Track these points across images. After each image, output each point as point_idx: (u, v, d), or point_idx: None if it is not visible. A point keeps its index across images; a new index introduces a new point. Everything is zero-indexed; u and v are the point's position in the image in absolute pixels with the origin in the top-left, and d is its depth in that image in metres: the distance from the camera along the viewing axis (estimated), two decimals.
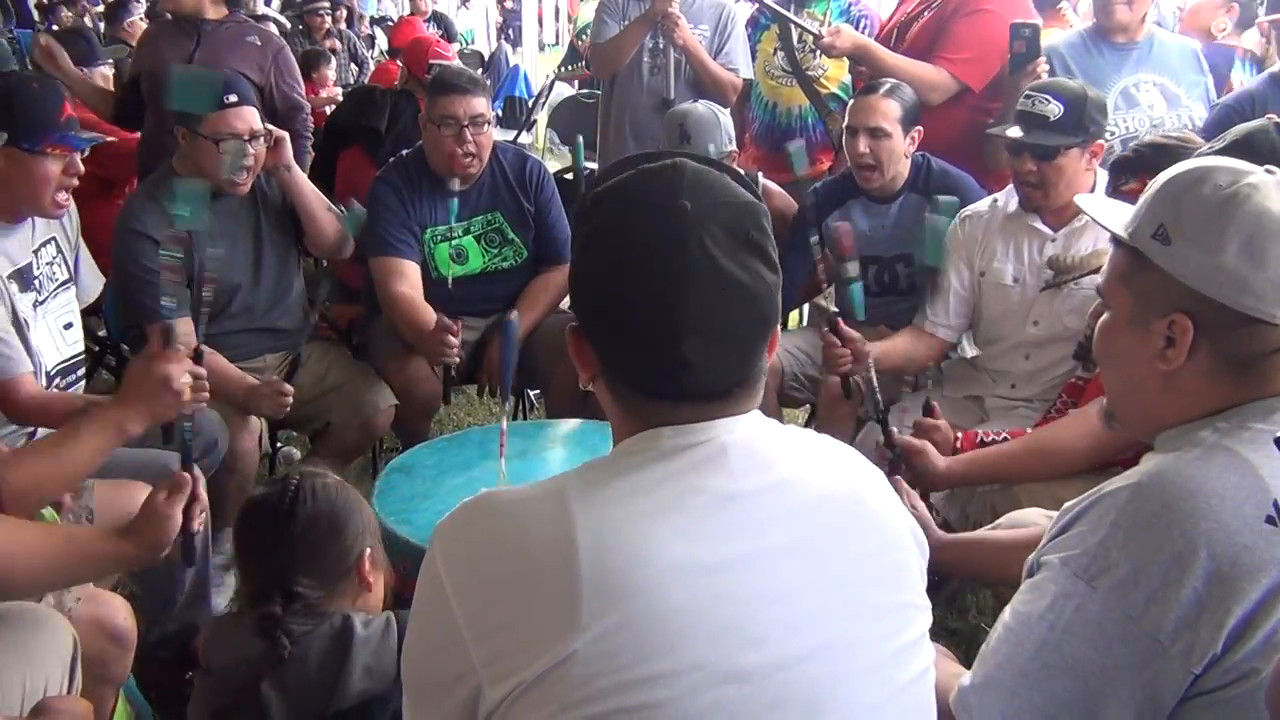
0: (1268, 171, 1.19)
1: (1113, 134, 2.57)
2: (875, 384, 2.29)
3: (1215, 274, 1.15)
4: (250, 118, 2.64)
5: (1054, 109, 2.40)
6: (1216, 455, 1.13)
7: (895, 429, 2.23)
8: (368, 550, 1.52)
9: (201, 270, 2.22)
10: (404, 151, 3.11)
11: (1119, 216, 1.28)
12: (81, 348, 2.46)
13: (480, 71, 9.41)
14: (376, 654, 1.39)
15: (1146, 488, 1.13)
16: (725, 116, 3.05)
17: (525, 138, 7.74)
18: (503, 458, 2.29)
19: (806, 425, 2.80)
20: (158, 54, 3.40)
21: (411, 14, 9.86)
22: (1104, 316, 1.29)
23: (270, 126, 2.74)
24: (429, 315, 2.81)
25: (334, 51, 7.60)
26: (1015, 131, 2.45)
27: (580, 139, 3.71)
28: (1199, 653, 1.07)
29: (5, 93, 2.17)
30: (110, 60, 4.15)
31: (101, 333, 3.51)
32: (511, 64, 11.01)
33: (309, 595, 1.44)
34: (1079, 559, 1.14)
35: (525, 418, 3.65)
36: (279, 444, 3.49)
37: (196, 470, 1.70)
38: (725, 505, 0.97)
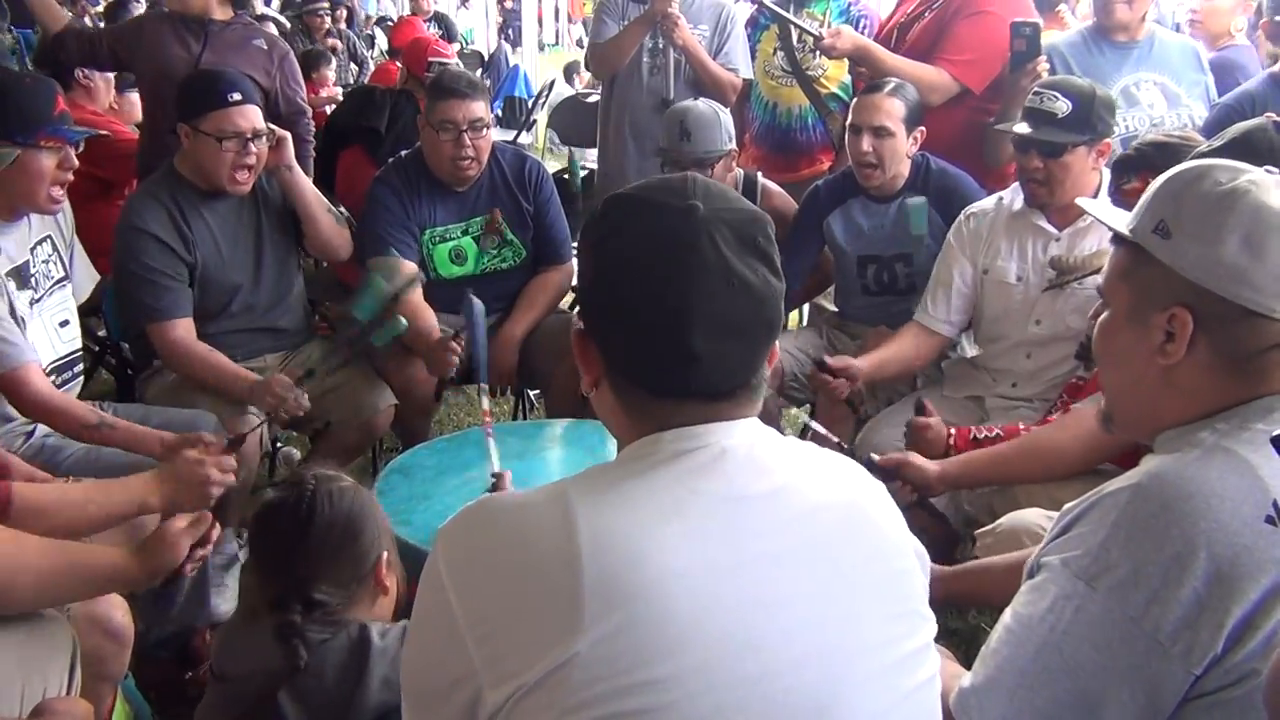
0: (1268, 171, 1.20)
1: (1112, 136, 2.56)
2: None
3: (1215, 267, 1.15)
4: (253, 116, 2.64)
5: (1062, 106, 2.39)
6: (1216, 456, 1.13)
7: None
8: (384, 554, 1.51)
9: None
10: (403, 152, 3.11)
11: (1120, 216, 1.29)
12: (78, 345, 2.46)
13: (480, 72, 9.44)
14: (394, 664, 1.38)
15: (1146, 488, 1.13)
16: (725, 114, 3.05)
17: (525, 138, 7.75)
18: (490, 438, 2.26)
19: (804, 429, 2.79)
20: (163, 53, 3.39)
21: (412, 14, 9.86)
22: (1104, 315, 1.29)
23: (273, 126, 2.75)
24: (429, 319, 2.81)
25: (334, 51, 7.60)
26: (1023, 127, 2.45)
27: (571, 151, 3.69)
28: (1199, 653, 1.07)
29: None
30: None
31: (101, 333, 3.50)
32: (511, 64, 11.02)
33: (328, 602, 1.43)
34: (1079, 560, 1.14)
35: (525, 418, 3.65)
36: (279, 444, 3.49)
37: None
38: (726, 510, 0.97)
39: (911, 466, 2.17)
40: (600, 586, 0.91)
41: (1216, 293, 1.15)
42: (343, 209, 3.51)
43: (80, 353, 2.47)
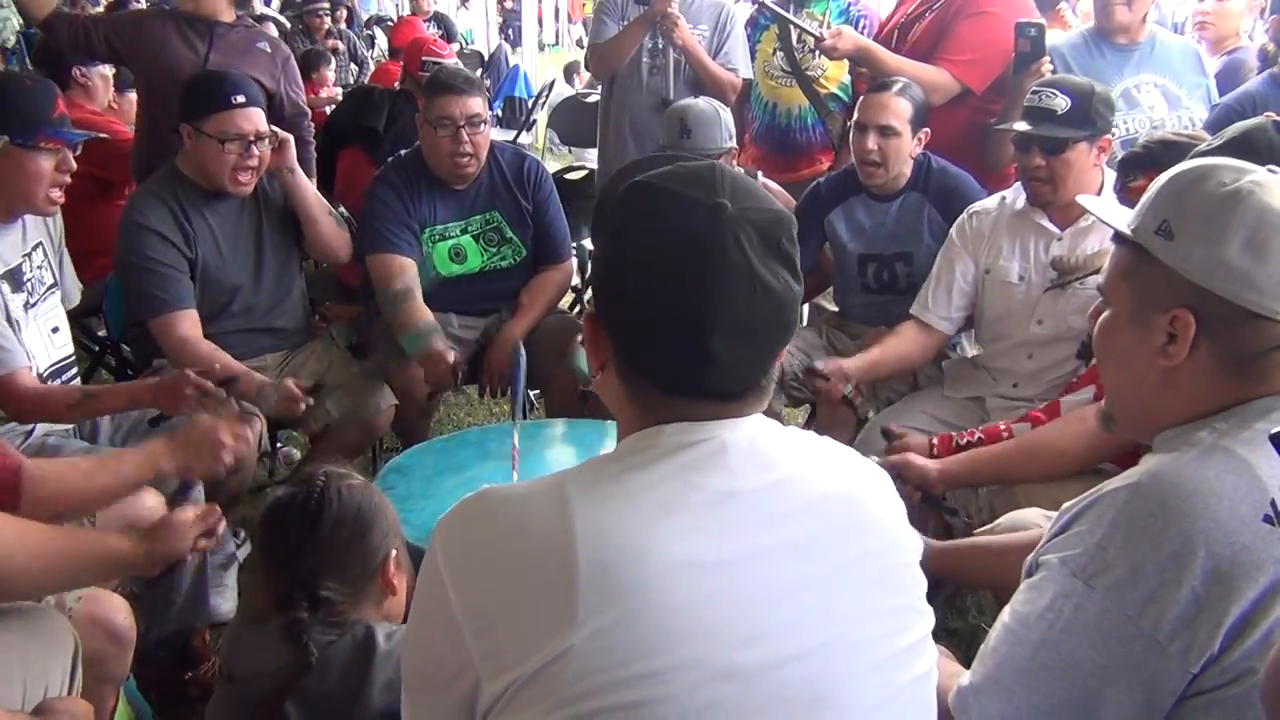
0: (1270, 171, 1.19)
1: (1113, 135, 2.56)
2: None
3: (1218, 269, 1.15)
4: (256, 119, 2.65)
5: (1061, 102, 2.40)
6: (1214, 455, 1.13)
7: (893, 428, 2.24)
8: (393, 552, 1.51)
9: None
10: (402, 151, 3.11)
11: (1122, 215, 1.28)
12: (69, 350, 2.46)
13: (480, 71, 9.43)
14: (398, 669, 1.36)
15: (1145, 487, 1.13)
16: (726, 112, 3.05)
17: (525, 138, 7.75)
18: (515, 472, 2.27)
19: (807, 425, 2.79)
20: (167, 52, 3.38)
21: (412, 14, 9.86)
22: (1105, 314, 1.29)
23: (275, 129, 2.75)
24: (428, 321, 2.80)
25: (334, 51, 7.60)
26: (1023, 125, 2.45)
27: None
28: (1197, 652, 1.07)
29: None
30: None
31: (101, 332, 3.50)
32: (511, 64, 11.02)
33: (335, 599, 1.42)
34: (1078, 559, 1.14)
35: (525, 418, 3.65)
36: (279, 444, 3.49)
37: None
38: (725, 503, 0.97)
39: (912, 466, 2.17)
40: (597, 579, 0.91)
41: (1220, 295, 1.15)
42: (342, 209, 3.52)
43: (72, 357, 2.47)
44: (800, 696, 0.94)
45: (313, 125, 3.77)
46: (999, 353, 2.67)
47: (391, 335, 2.90)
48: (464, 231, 3.03)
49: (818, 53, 3.52)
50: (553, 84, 9.01)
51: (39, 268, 2.38)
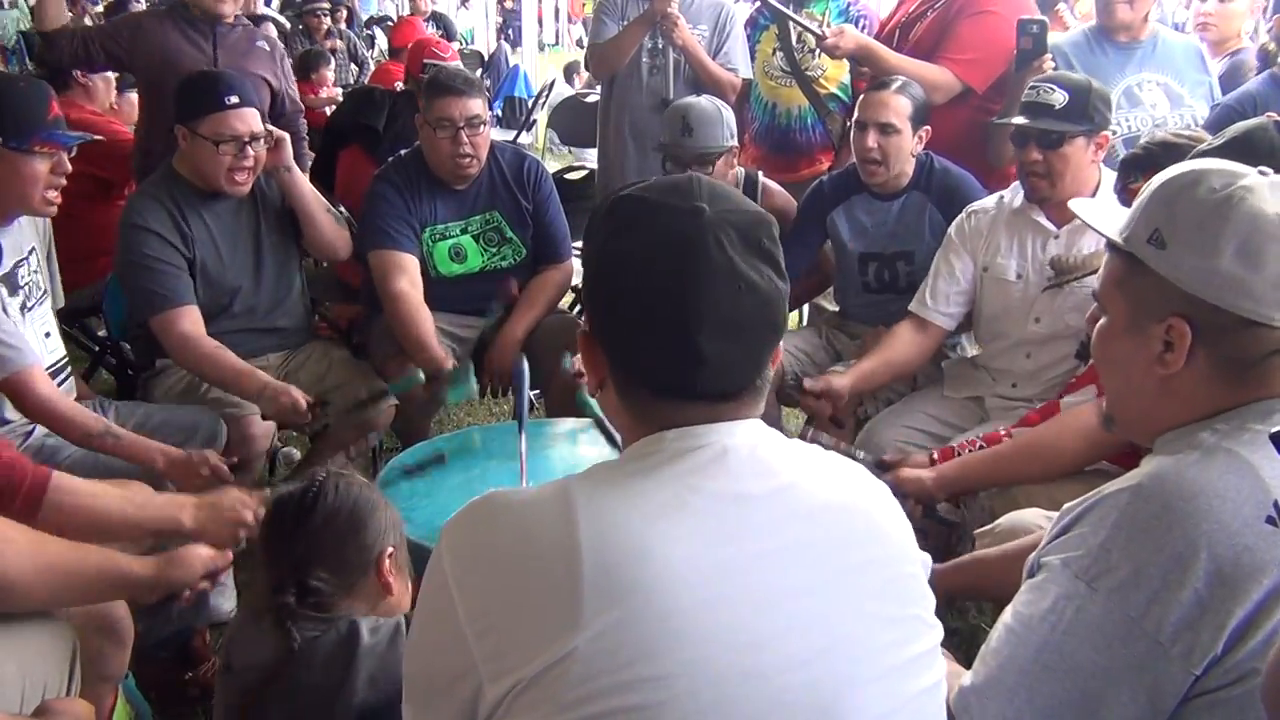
0: (1261, 173, 1.19)
1: (1114, 133, 2.56)
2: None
3: (1212, 278, 1.14)
4: (251, 119, 2.64)
5: (1059, 97, 2.41)
6: (1217, 456, 1.13)
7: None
8: (389, 549, 1.52)
9: None
10: (402, 151, 3.11)
11: (1113, 221, 1.27)
12: (62, 353, 2.47)
13: (480, 72, 9.43)
14: (383, 663, 1.38)
15: (1147, 489, 1.13)
16: (727, 111, 3.05)
17: (525, 138, 7.75)
18: (524, 478, 2.27)
19: (806, 425, 2.79)
20: (173, 51, 3.38)
21: (411, 14, 9.86)
22: (1101, 321, 1.28)
23: (270, 128, 2.74)
24: (428, 326, 2.80)
25: (334, 52, 7.60)
26: (1020, 119, 2.46)
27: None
28: (1199, 653, 1.07)
29: None
30: None
31: (102, 332, 3.50)
32: (511, 64, 11.02)
33: (324, 589, 1.44)
34: (1080, 560, 1.14)
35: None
36: (279, 444, 3.48)
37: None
38: (729, 507, 0.98)
39: (906, 479, 2.17)
40: (600, 582, 0.91)
41: (1214, 304, 1.14)
42: (342, 209, 3.52)
43: (65, 360, 2.47)
44: (802, 702, 0.94)
45: (307, 123, 3.77)
46: (997, 352, 2.67)
47: (391, 334, 2.90)
48: (464, 231, 3.03)
49: (817, 52, 3.52)
50: (553, 84, 9.02)
51: (34, 272, 2.39)
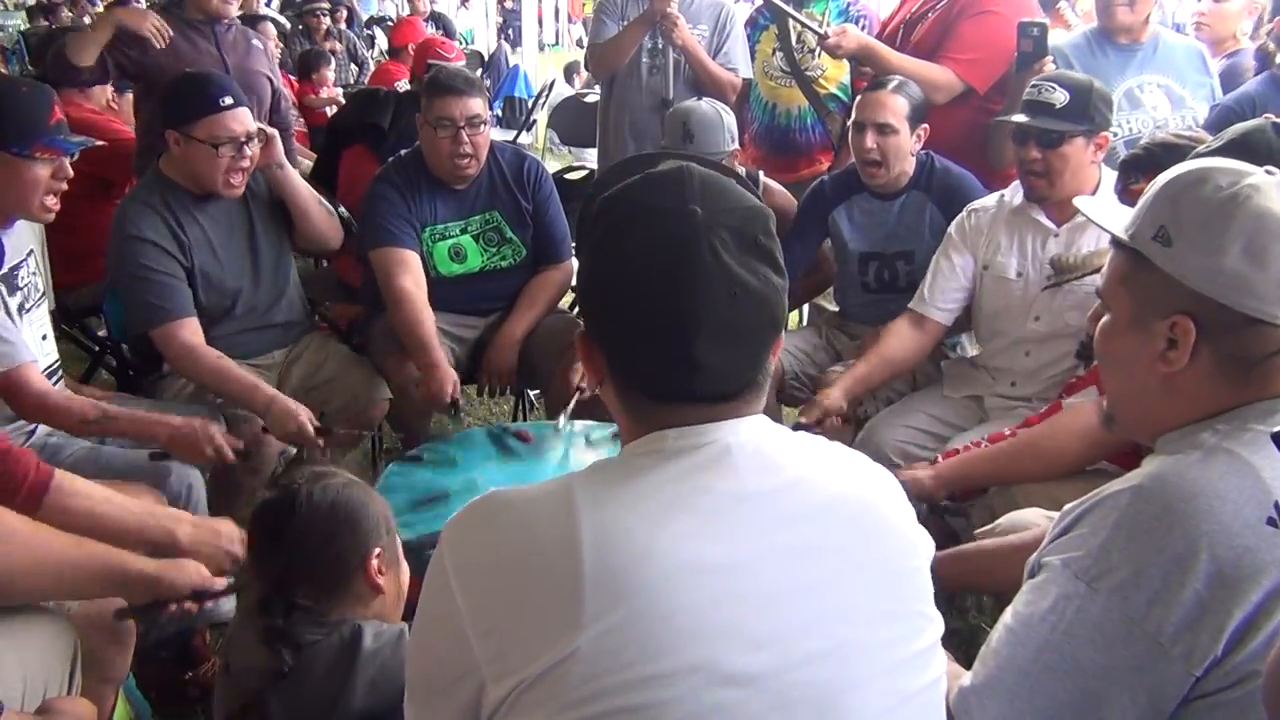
0: (1268, 173, 1.19)
1: (1115, 135, 2.56)
2: None
3: (1217, 275, 1.14)
4: (245, 120, 2.62)
5: (1060, 96, 2.42)
6: (1218, 457, 1.13)
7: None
8: (375, 551, 1.48)
9: None
10: (402, 151, 3.11)
11: (1118, 218, 1.28)
12: (54, 358, 2.46)
13: (480, 71, 9.43)
14: (384, 669, 1.37)
15: (1148, 490, 1.13)
16: (729, 115, 3.05)
17: (525, 138, 7.74)
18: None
19: (795, 428, 2.79)
20: (182, 55, 3.36)
21: (411, 14, 9.85)
22: (1104, 319, 1.28)
23: (262, 126, 2.74)
24: (430, 327, 2.80)
25: (334, 52, 7.60)
26: (1021, 118, 2.46)
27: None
28: (1199, 655, 1.07)
29: None
30: None
31: (101, 332, 3.50)
32: (511, 64, 11.02)
33: (310, 607, 1.42)
34: (1080, 561, 1.14)
35: (525, 418, 3.65)
36: None
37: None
38: (733, 506, 0.97)
39: (905, 478, 2.17)
40: (602, 581, 0.91)
41: (1219, 301, 1.14)
42: (342, 209, 3.52)
43: (57, 364, 2.47)
44: (807, 700, 0.93)
45: (306, 123, 3.78)
46: (997, 350, 2.67)
47: (390, 334, 2.90)
48: (464, 231, 3.03)
49: (817, 52, 3.52)
50: (553, 84, 9.01)
51: (33, 274, 2.39)
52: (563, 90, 8.90)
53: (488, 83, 9.30)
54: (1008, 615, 1.20)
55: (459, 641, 0.95)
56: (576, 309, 3.62)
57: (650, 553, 0.93)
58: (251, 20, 5.21)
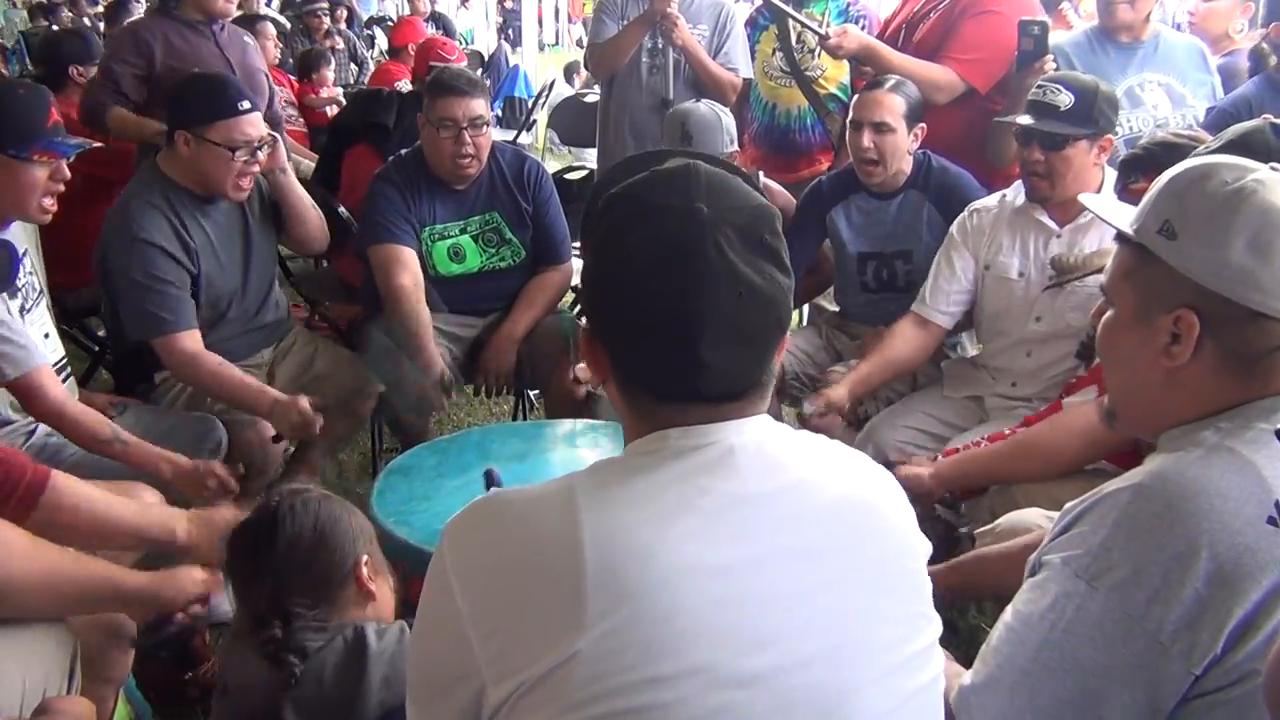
0: (1273, 168, 1.19)
1: (1116, 134, 2.56)
2: None
3: (1222, 269, 1.14)
4: (259, 124, 2.61)
5: (1065, 99, 2.41)
6: (1219, 455, 1.13)
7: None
8: (363, 558, 1.49)
9: None
10: (403, 151, 3.11)
11: (1123, 214, 1.28)
12: (61, 353, 2.46)
13: (480, 71, 9.43)
14: (393, 664, 1.37)
15: (1148, 488, 1.13)
16: (728, 117, 3.05)
17: (525, 138, 7.74)
18: None
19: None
20: (190, 56, 3.36)
21: (411, 14, 9.85)
22: (1108, 314, 1.28)
23: (271, 131, 2.73)
24: (426, 325, 2.80)
25: (334, 51, 7.59)
26: (1025, 119, 2.46)
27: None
28: (1199, 653, 1.07)
29: None
30: None
31: (101, 332, 3.50)
32: (511, 64, 11.02)
33: (307, 614, 1.42)
34: (1080, 559, 1.14)
35: (525, 418, 3.65)
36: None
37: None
38: (735, 507, 0.97)
39: (905, 475, 2.17)
40: (604, 583, 0.91)
41: (1223, 295, 1.14)
42: (342, 209, 3.52)
43: (64, 360, 2.46)
44: (809, 702, 0.93)
45: (305, 122, 3.78)
46: (998, 351, 2.67)
47: (389, 333, 2.90)
48: (463, 232, 3.03)
49: (817, 52, 3.52)
50: (553, 84, 9.00)
51: (30, 274, 2.38)
52: (563, 90, 8.89)
53: (488, 83, 9.29)
54: (1008, 614, 1.20)
55: (460, 643, 0.94)
56: (577, 308, 3.62)
57: (652, 554, 0.93)
58: (251, 20, 5.22)
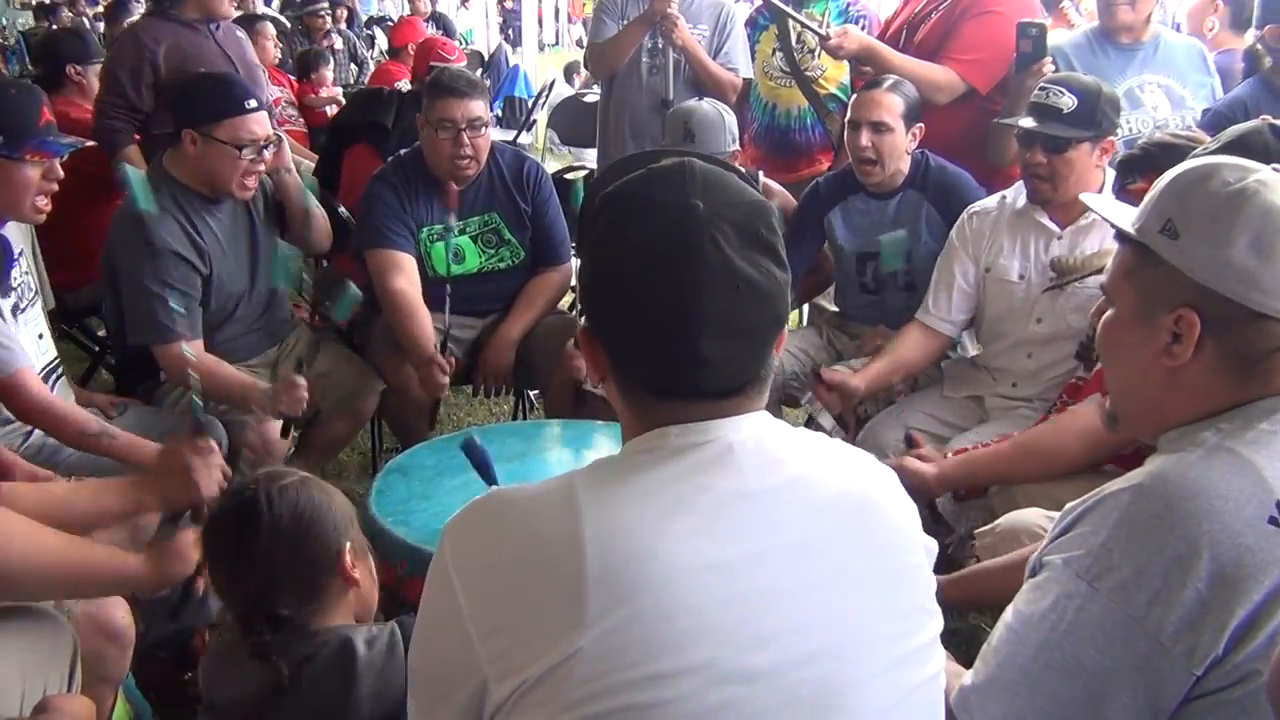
0: (1275, 169, 1.19)
1: (1117, 135, 2.56)
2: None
3: (1223, 269, 1.14)
4: (266, 123, 2.62)
5: (1068, 101, 2.41)
6: (1219, 456, 1.13)
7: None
8: (346, 545, 1.43)
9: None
10: (402, 151, 3.11)
11: (1125, 213, 1.28)
12: (54, 354, 2.46)
13: (480, 71, 9.43)
14: (383, 676, 1.34)
15: (1149, 488, 1.13)
16: (730, 116, 3.05)
17: (525, 138, 7.74)
18: None
19: (806, 424, 2.79)
20: (193, 57, 3.36)
21: (411, 14, 9.85)
22: (1108, 313, 1.28)
23: (276, 130, 2.73)
24: (426, 324, 2.80)
25: (334, 51, 7.59)
26: (1028, 121, 2.46)
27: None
28: (1200, 654, 1.07)
29: None
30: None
31: (101, 332, 3.50)
32: (511, 64, 11.02)
33: (294, 614, 1.37)
34: (1081, 559, 1.14)
35: (525, 417, 3.65)
36: None
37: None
38: (735, 504, 0.97)
39: (908, 472, 2.17)
40: (605, 581, 0.91)
41: (1225, 295, 1.14)
42: (342, 209, 3.52)
43: (57, 360, 2.46)
44: (811, 698, 0.93)
45: (305, 122, 3.78)
46: (998, 352, 2.67)
47: (390, 334, 2.90)
48: (462, 232, 3.03)
49: (817, 52, 3.52)
50: (553, 84, 9.00)
51: (25, 274, 2.39)
52: (563, 90, 8.89)
53: (488, 83, 9.29)
54: (1008, 614, 1.20)
55: (461, 641, 0.94)
56: (576, 309, 3.63)
57: (653, 552, 0.93)
58: (251, 20, 5.22)
